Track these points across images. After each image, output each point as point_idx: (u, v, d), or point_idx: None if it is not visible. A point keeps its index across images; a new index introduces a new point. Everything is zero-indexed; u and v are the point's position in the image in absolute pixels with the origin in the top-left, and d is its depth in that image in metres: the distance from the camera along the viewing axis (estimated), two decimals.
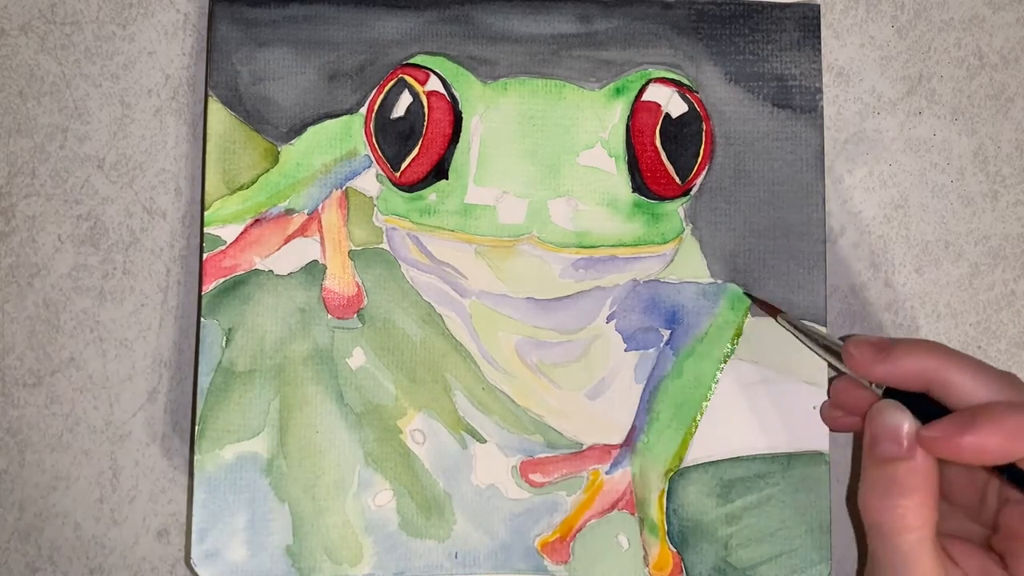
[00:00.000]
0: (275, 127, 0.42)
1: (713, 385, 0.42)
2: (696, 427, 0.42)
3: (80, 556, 0.42)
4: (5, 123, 0.43)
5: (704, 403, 0.42)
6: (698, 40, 0.43)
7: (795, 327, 0.41)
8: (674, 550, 0.41)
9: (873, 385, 0.38)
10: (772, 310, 0.41)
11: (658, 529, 0.41)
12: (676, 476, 0.42)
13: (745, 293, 0.42)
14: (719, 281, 0.42)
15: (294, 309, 0.41)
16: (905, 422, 0.35)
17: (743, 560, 0.41)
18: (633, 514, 0.41)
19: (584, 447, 0.42)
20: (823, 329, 0.41)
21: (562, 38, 0.42)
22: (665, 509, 0.41)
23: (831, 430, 0.41)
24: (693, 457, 0.42)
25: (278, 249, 0.41)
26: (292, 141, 0.42)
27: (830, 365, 0.40)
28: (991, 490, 0.38)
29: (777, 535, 0.41)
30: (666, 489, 0.41)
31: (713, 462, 0.42)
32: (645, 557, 0.41)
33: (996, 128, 0.45)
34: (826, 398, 0.42)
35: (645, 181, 0.42)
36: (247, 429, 0.41)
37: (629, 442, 0.42)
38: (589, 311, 0.42)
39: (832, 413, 0.41)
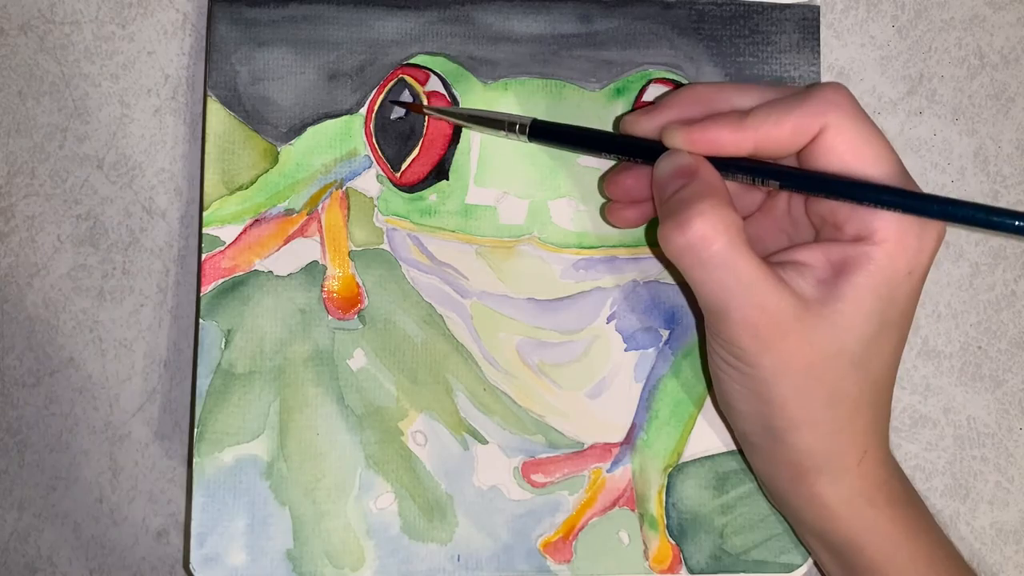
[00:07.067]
0: (275, 127, 0.42)
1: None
2: (694, 423, 0.42)
3: (80, 556, 0.42)
4: (5, 123, 0.42)
5: (701, 400, 0.42)
6: (698, 41, 0.43)
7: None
8: (673, 543, 0.41)
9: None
10: (417, 108, 0.41)
11: (658, 523, 0.42)
12: (675, 471, 0.42)
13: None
14: None
15: (294, 310, 0.41)
16: (683, 155, 0.36)
17: (737, 546, 0.42)
18: (633, 510, 0.42)
19: (585, 446, 0.42)
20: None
21: (562, 38, 0.42)
22: (664, 504, 0.42)
23: (617, 227, 0.41)
24: (691, 452, 0.42)
25: (278, 249, 0.41)
26: (292, 141, 0.42)
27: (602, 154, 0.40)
28: (794, 204, 0.39)
29: (767, 520, 0.42)
30: (665, 484, 0.42)
31: (709, 456, 0.42)
32: (645, 551, 0.41)
33: (996, 128, 0.45)
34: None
35: None
36: (247, 431, 0.40)
37: (629, 440, 0.42)
38: (589, 312, 0.42)
39: (616, 209, 0.41)
